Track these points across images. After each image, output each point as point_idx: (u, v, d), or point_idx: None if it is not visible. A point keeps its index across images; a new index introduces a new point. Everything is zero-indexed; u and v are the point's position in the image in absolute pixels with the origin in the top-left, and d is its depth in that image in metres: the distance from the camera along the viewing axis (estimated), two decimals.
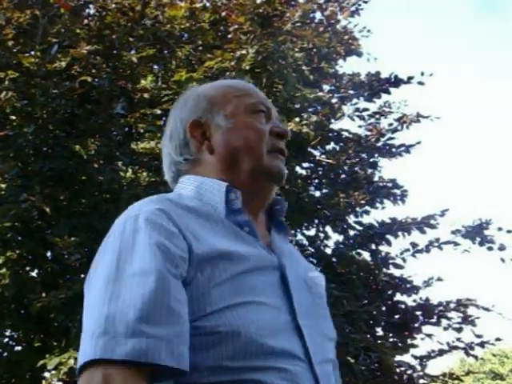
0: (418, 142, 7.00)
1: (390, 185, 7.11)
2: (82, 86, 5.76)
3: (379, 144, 6.97)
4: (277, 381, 1.14)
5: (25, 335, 6.26)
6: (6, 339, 6.32)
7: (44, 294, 5.46)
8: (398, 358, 6.30)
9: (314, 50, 6.70)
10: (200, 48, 6.52)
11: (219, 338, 1.13)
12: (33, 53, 5.85)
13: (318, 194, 7.01)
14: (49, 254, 6.09)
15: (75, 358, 4.86)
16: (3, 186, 5.90)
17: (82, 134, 5.99)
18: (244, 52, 5.77)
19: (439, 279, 6.63)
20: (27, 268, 6.04)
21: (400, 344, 6.56)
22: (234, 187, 1.33)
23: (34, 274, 6.16)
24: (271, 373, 1.14)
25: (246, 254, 1.24)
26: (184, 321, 1.11)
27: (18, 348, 6.32)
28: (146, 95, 6.05)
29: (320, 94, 6.38)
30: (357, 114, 7.07)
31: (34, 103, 5.62)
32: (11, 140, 5.61)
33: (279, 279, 1.28)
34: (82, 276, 5.59)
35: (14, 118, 5.90)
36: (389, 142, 6.99)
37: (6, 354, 6.17)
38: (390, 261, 6.60)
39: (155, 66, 6.55)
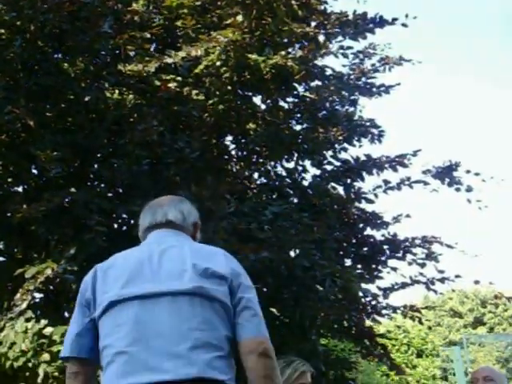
0: (398, 84, 7.15)
1: (368, 124, 7.29)
2: (72, 2, 5.76)
3: (360, 82, 7.10)
4: None
5: (7, 247, 6.41)
6: None
7: (25, 206, 5.57)
8: (363, 286, 6.60)
9: None
10: None
11: None
12: None
13: (298, 128, 7.16)
14: (34, 170, 6.20)
15: (52, 269, 5.03)
16: None
17: (70, 51, 6.01)
18: None
19: (407, 216, 6.91)
20: (10, 180, 6.12)
21: (366, 276, 6.86)
22: None
23: (18, 189, 6.26)
24: None
25: None
26: None
27: (0, 259, 6.48)
28: (136, 18, 6.08)
29: (307, 29, 6.45)
30: (341, 51, 7.15)
31: (22, 16, 5.61)
32: None
33: None
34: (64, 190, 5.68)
35: (2, 31, 5.89)
36: (370, 80, 7.11)
37: None
38: (363, 195, 6.85)
39: None
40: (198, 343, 2.05)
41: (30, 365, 5.33)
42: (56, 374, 5.49)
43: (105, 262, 2.35)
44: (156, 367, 2.02)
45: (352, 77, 7.09)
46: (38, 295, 6.18)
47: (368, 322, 7.28)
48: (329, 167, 7.10)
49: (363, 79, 7.10)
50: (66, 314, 5.70)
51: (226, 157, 6.97)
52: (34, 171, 6.22)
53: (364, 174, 6.78)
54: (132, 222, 6.17)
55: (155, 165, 5.78)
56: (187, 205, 2.55)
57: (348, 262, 6.92)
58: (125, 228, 6.30)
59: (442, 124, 58.78)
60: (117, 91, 6.10)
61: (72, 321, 2.31)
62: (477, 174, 6.64)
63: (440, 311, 29.11)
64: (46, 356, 5.30)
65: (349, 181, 6.88)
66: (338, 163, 7.05)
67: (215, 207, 5.29)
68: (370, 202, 6.83)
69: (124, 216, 6.21)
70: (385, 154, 6.83)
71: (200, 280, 2.14)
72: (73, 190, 5.54)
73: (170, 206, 2.48)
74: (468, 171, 6.70)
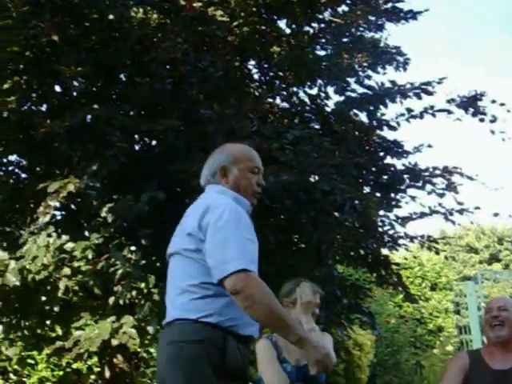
0: (427, 10, 7.00)
1: (393, 51, 7.18)
2: None
3: (388, 6, 6.95)
4: None
5: (29, 163, 6.49)
6: (12, 167, 6.54)
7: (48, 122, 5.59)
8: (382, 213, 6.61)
9: None
10: None
11: None
12: None
13: (322, 53, 7.06)
14: (57, 88, 6.20)
15: (75, 184, 5.09)
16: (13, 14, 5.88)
17: None
18: None
19: (429, 146, 6.85)
20: (34, 95, 6.12)
21: (385, 204, 6.86)
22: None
23: (42, 108, 6.28)
24: None
25: None
26: None
27: (24, 176, 6.57)
28: None
29: None
30: None
31: None
32: None
33: None
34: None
35: None
36: (397, 4, 6.96)
37: (11, 181, 6.41)
38: (385, 123, 6.78)
39: None
40: (180, 291, 2.60)
41: (51, 279, 5.49)
42: (76, 288, 5.65)
43: None
44: (168, 311, 2.67)
45: (380, 1, 6.94)
46: (59, 213, 6.31)
47: (384, 252, 7.33)
48: (352, 94, 7.02)
49: (390, 4, 6.95)
50: (87, 233, 5.79)
51: (249, 80, 6.92)
52: (58, 89, 6.24)
53: (387, 101, 6.69)
54: (153, 142, 6.21)
55: (178, 84, 5.76)
56: (213, 157, 2.88)
57: (367, 190, 6.91)
58: (146, 148, 6.34)
59: (468, 53, 56.99)
60: (141, 10, 6.02)
61: None
62: (502, 105, 6.52)
63: (456, 246, 29.19)
64: (66, 270, 5.46)
65: (371, 108, 6.80)
66: (361, 90, 6.96)
67: (238, 126, 5.29)
68: (392, 128, 6.75)
69: (145, 137, 6.24)
70: (409, 81, 6.74)
71: (182, 242, 2.64)
72: (95, 106, 5.54)
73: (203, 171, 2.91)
74: (493, 101, 6.56)
